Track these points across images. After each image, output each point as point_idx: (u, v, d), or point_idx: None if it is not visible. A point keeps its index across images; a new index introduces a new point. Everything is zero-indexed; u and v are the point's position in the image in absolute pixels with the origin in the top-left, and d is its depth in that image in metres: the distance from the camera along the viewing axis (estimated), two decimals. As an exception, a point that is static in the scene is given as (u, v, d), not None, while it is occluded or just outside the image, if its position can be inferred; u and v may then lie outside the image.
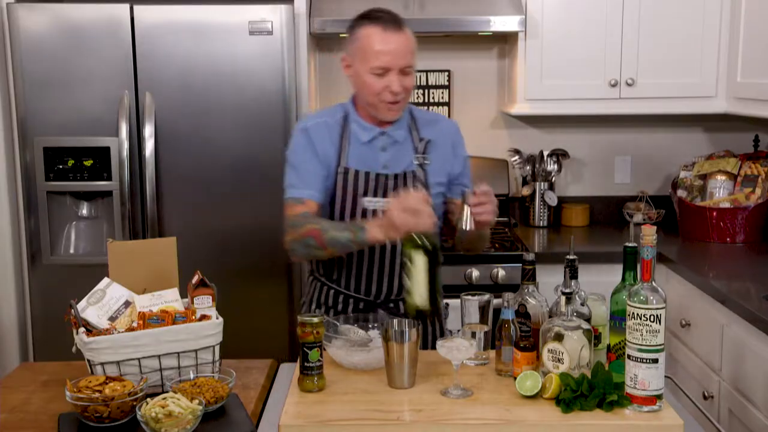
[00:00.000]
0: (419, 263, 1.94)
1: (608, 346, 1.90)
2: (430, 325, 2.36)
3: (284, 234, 2.21)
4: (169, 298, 1.99)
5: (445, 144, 2.33)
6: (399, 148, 2.27)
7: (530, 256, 1.98)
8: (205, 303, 1.95)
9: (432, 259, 1.95)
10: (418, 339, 1.89)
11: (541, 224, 3.76)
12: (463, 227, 2.07)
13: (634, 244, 1.83)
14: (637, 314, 1.73)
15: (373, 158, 2.25)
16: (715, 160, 3.51)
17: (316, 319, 1.88)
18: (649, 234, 1.73)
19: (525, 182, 3.79)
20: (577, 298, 1.87)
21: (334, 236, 2.09)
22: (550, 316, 1.91)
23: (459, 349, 1.84)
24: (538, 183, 3.73)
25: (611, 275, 2.14)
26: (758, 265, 3.05)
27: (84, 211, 3.22)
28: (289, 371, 2.05)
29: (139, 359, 1.85)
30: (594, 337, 1.86)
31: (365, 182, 2.24)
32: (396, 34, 2.14)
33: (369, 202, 2.24)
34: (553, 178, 3.76)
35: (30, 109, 3.10)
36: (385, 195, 2.23)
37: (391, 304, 2.33)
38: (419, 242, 1.94)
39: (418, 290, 1.95)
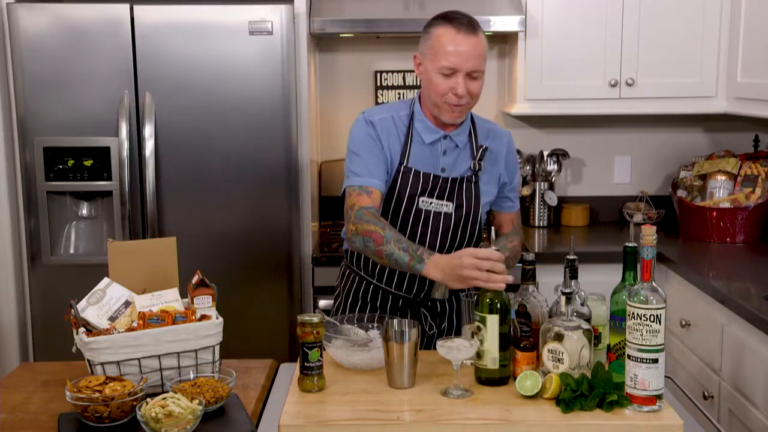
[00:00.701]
0: (493, 327, 1.86)
1: (608, 346, 1.90)
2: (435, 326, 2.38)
3: (345, 220, 2.21)
4: (169, 298, 1.99)
5: (500, 153, 2.35)
6: (459, 153, 2.28)
7: (530, 256, 1.98)
8: (205, 303, 1.95)
9: (505, 321, 1.88)
10: (418, 339, 1.89)
11: (541, 224, 3.76)
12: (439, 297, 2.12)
13: (634, 244, 1.83)
14: (637, 314, 1.73)
15: (434, 160, 2.26)
16: (715, 160, 3.51)
17: (316, 319, 1.88)
18: (649, 234, 1.73)
19: (525, 182, 3.79)
20: (577, 298, 1.87)
21: (393, 252, 2.08)
22: (550, 316, 1.91)
23: (459, 349, 1.84)
24: (538, 183, 3.73)
25: (611, 275, 2.13)
26: (758, 265, 3.05)
27: (84, 211, 3.22)
28: (289, 371, 2.05)
29: (139, 359, 1.85)
30: (594, 337, 1.86)
31: (424, 183, 2.25)
32: (468, 37, 2.14)
33: (425, 202, 2.25)
34: (553, 178, 3.76)
35: (30, 109, 3.10)
36: (441, 197, 2.25)
37: (430, 303, 2.34)
38: (495, 306, 1.86)
39: (491, 355, 1.87)
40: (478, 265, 1.91)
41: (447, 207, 2.26)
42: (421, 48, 2.22)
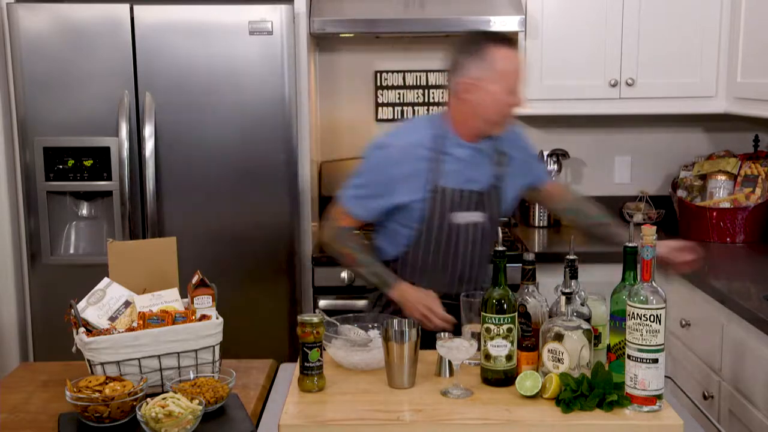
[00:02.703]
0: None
1: (608, 346, 1.90)
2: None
3: (321, 227, 2.43)
4: (169, 298, 1.99)
5: (519, 152, 2.46)
6: (482, 164, 2.37)
7: (530, 256, 1.98)
8: (205, 303, 1.95)
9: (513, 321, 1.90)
10: (418, 339, 1.89)
11: (541, 224, 3.76)
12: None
13: (634, 244, 1.83)
14: (637, 314, 1.73)
15: (463, 174, 2.33)
16: (715, 160, 3.51)
17: (316, 319, 1.88)
18: (649, 234, 1.73)
19: (525, 182, 3.78)
20: (577, 298, 1.87)
21: (363, 274, 2.37)
22: (550, 316, 1.91)
23: (459, 349, 1.84)
24: (538, 183, 3.73)
25: (611, 275, 2.13)
26: (758, 265, 3.05)
27: (84, 211, 3.22)
28: (289, 371, 2.05)
29: (139, 359, 1.85)
30: (594, 337, 1.86)
31: (454, 199, 2.33)
32: (514, 52, 2.28)
33: (459, 216, 2.34)
34: (554, 178, 3.76)
35: (30, 109, 3.10)
36: (470, 209, 2.34)
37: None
38: (503, 307, 1.88)
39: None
40: (421, 306, 2.24)
41: (478, 217, 2.36)
42: (474, 73, 2.25)
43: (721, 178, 3.42)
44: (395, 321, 1.91)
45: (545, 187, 2.61)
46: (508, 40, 2.29)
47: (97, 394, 1.71)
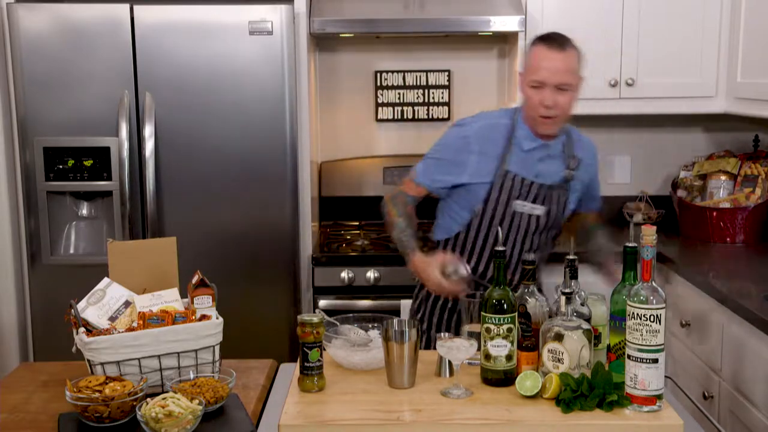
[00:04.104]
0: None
1: (608, 346, 1.90)
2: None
3: (392, 190, 2.58)
4: (169, 298, 1.99)
5: (590, 163, 2.57)
6: (553, 162, 2.47)
7: (530, 256, 1.98)
8: (205, 303, 1.95)
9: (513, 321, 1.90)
10: (418, 339, 1.89)
11: (541, 224, 3.75)
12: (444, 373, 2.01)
13: (634, 244, 1.83)
14: (637, 314, 1.73)
15: (531, 166, 2.44)
16: (715, 160, 3.51)
17: (316, 319, 1.88)
18: (649, 234, 1.73)
19: (525, 182, 3.79)
20: (577, 298, 1.87)
21: (393, 234, 2.48)
22: (550, 316, 1.91)
23: (459, 349, 1.84)
24: (538, 183, 3.73)
25: (611, 275, 2.14)
26: (758, 265, 3.05)
27: (84, 211, 3.22)
28: (289, 371, 2.05)
29: (139, 359, 1.85)
30: (594, 337, 1.86)
31: (520, 187, 2.43)
32: (556, 53, 2.33)
33: (520, 205, 2.44)
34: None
35: (30, 109, 3.10)
36: (534, 201, 2.44)
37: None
38: (502, 307, 1.87)
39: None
40: (434, 272, 2.30)
41: (538, 210, 2.46)
42: (522, 66, 2.44)
43: (721, 178, 3.42)
44: (395, 321, 1.91)
45: (590, 214, 2.67)
46: (559, 41, 2.35)
47: (97, 394, 1.71)
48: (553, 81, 2.32)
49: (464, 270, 2.31)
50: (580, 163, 2.51)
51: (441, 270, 2.30)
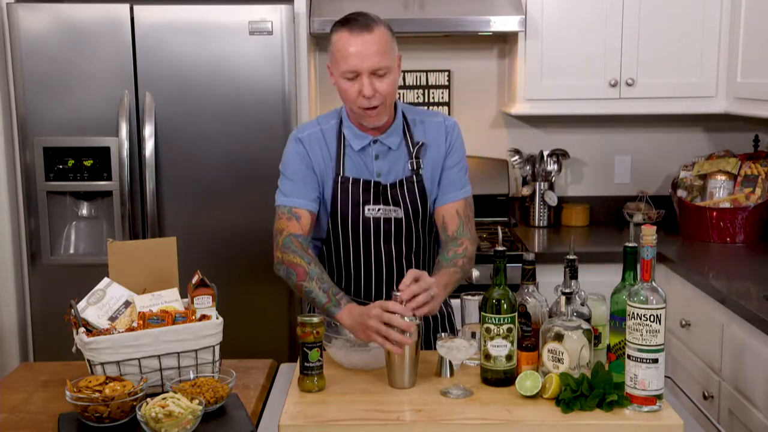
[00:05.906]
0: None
1: (608, 346, 1.90)
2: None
3: (274, 244, 2.16)
4: (169, 298, 1.99)
5: (436, 145, 2.22)
6: (393, 156, 2.20)
7: (530, 256, 1.98)
8: (205, 303, 1.95)
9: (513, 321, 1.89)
10: (419, 339, 1.89)
11: (541, 224, 3.76)
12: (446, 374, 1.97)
13: (634, 244, 1.83)
14: (637, 314, 1.73)
15: (368, 166, 2.19)
16: (715, 160, 3.51)
17: (316, 319, 1.88)
18: (649, 234, 1.73)
19: (525, 182, 3.79)
20: (577, 298, 1.87)
21: (312, 290, 2.03)
22: (550, 316, 1.91)
23: (459, 349, 1.84)
24: (538, 183, 3.73)
25: (611, 275, 2.14)
26: (758, 265, 3.05)
27: (84, 211, 3.22)
28: (289, 371, 2.05)
29: (139, 359, 1.85)
30: (594, 337, 1.86)
31: (364, 191, 2.18)
32: (362, 36, 2.04)
33: (372, 210, 2.18)
34: (553, 178, 3.76)
35: (30, 109, 3.10)
36: (387, 203, 2.18)
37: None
38: (502, 307, 1.87)
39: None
40: (382, 318, 1.85)
41: (396, 212, 2.19)
42: (328, 58, 2.16)
43: (721, 178, 3.42)
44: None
45: (445, 206, 2.23)
46: (363, 22, 2.06)
47: (97, 394, 1.71)
48: (366, 67, 2.04)
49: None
50: (424, 147, 2.19)
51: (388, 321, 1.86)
